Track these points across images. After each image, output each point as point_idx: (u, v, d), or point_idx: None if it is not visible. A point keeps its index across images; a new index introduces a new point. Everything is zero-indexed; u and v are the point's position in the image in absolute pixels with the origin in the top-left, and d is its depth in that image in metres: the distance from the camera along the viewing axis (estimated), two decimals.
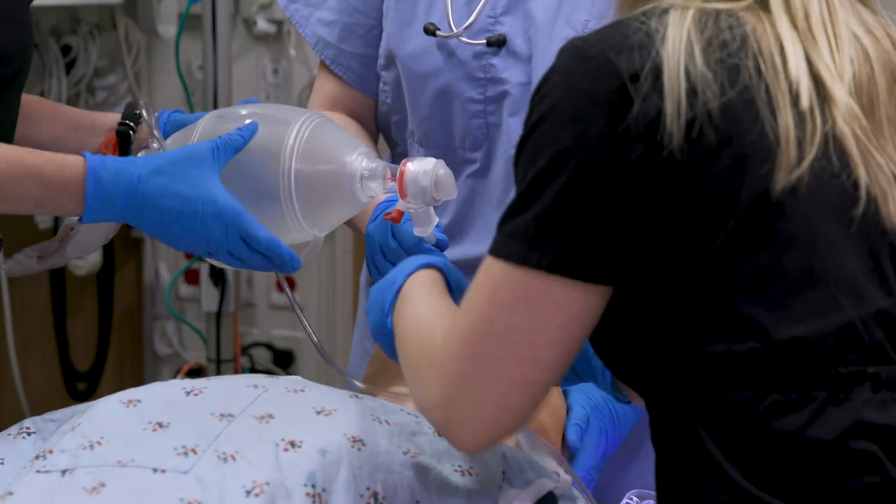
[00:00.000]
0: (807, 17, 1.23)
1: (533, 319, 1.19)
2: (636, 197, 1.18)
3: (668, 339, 1.20)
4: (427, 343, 1.30)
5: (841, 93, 1.21)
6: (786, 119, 1.18)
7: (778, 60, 1.20)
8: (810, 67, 1.21)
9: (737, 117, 1.18)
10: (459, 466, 1.43)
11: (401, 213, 1.54)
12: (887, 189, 1.21)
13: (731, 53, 1.20)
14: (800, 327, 1.17)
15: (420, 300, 1.41)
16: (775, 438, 1.16)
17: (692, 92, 1.17)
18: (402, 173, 1.52)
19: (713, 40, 1.20)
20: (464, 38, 1.77)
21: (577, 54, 1.20)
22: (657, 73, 1.17)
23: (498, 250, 1.20)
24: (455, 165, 1.78)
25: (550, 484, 1.47)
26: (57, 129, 1.74)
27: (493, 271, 1.20)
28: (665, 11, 1.22)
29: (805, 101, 1.19)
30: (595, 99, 1.18)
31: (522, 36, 1.75)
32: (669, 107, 1.16)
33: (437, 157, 1.80)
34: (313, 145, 1.54)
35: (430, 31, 1.78)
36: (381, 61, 1.87)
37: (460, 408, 1.22)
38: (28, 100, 1.76)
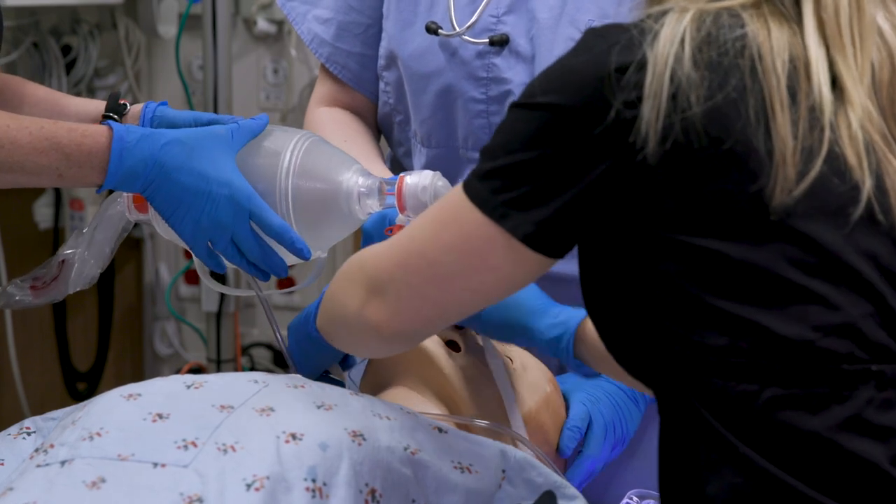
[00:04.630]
0: (836, 13, 1.22)
1: (462, 266, 1.26)
2: (608, 194, 1.20)
3: (669, 331, 1.20)
4: (357, 258, 1.37)
5: (860, 96, 1.20)
6: (783, 131, 1.18)
7: (779, 66, 1.19)
8: (832, 69, 1.20)
9: (723, 124, 1.17)
10: (459, 463, 1.43)
11: (401, 228, 1.56)
12: None
13: (725, 53, 1.19)
14: (799, 327, 1.17)
15: None
16: (778, 428, 1.17)
17: (674, 97, 1.17)
18: (400, 189, 1.54)
19: (707, 40, 1.19)
20: (466, 38, 1.76)
21: (580, 42, 1.23)
22: (642, 73, 1.18)
23: (465, 185, 1.25)
24: (458, 165, 1.79)
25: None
26: (38, 114, 1.68)
27: (452, 203, 1.26)
28: (665, 12, 1.22)
29: (819, 106, 1.19)
30: (582, 90, 1.19)
31: (525, 36, 1.75)
32: (647, 111, 1.17)
33: (439, 156, 1.81)
34: (307, 168, 1.55)
35: (432, 30, 1.77)
36: (381, 62, 1.87)
37: (379, 298, 1.31)
38: (10, 81, 1.74)
